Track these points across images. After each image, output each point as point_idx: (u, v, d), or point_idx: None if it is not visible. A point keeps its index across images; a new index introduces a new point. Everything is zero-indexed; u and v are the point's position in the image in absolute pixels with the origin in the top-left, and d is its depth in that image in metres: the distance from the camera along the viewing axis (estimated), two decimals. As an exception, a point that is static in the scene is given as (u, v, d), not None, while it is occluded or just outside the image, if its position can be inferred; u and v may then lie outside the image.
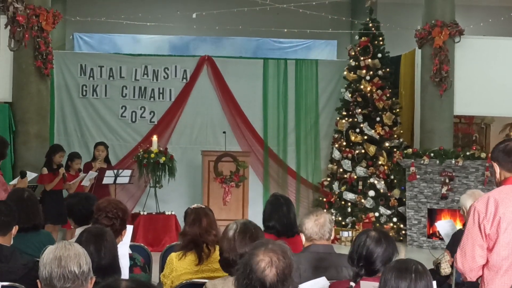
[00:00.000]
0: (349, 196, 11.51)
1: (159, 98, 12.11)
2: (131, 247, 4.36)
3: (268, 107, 12.38)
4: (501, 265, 3.32)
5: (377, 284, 2.95)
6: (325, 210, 10.51)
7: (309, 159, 12.49)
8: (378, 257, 3.35)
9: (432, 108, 11.17)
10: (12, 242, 3.97)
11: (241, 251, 3.37)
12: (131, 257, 4.08)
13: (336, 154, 11.82)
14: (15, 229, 4.00)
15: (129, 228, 4.29)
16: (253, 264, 2.52)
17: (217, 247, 3.77)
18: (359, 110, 11.68)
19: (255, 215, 9.07)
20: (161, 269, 5.10)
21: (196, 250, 4.21)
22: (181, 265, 4.22)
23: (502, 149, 3.44)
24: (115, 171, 9.77)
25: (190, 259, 4.23)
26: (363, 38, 11.85)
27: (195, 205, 4.54)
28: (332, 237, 4.23)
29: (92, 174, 9.30)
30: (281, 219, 4.88)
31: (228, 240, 3.49)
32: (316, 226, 4.12)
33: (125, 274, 3.83)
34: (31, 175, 7.90)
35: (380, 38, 11.89)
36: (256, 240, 3.11)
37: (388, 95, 11.74)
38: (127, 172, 9.99)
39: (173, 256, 4.30)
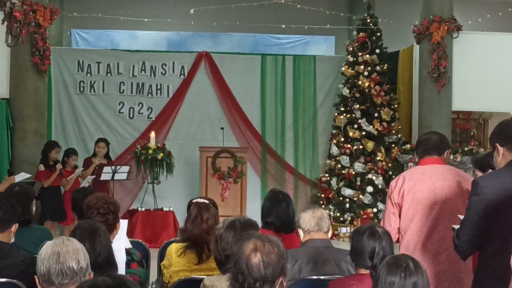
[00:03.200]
0: (347, 192, 11.50)
1: (156, 94, 12.08)
2: (129, 243, 4.34)
3: (266, 103, 12.36)
4: (408, 226, 4.20)
5: None
6: (323, 207, 10.52)
7: (307, 155, 12.48)
8: (389, 253, 3.45)
9: (430, 103, 11.16)
10: (13, 240, 3.95)
11: (228, 251, 3.35)
12: (128, 252, 4.05)
13: (334, 150, 11.81)
14: (15, 227, 3.96)
15: (124, 222, 4.27)
16: (240, 252, 2.61)
17: None
18: (357, 105, 11.67)
19: (254, 211, 9.07)
20: (160, 265, 5.09)
21: (196, 250, 4.18)
22: (179, 261, 4.20)
23: (417, 141, 4.49)
24: (113, 167, 9.75)
25: (189, 257, 4.20)
26: (361, 33, 11.84)
27: (199, 199, 4.47)
28: (330, 233, 4.23)
29: (90, 177, 9.31)
30: (279, 215, 4.87)
31: (214, 240, 3.48)
32: (313, 218, 4.16)
33: (121, 269, 3.82)
34: (21, 176, 7.91)
35: (378, 34, 11.88)
36: (243, 237, 3.14)
37: (386, 90, 11.74)
38: (125, 169, 9.98)
39: (173, 249, 4.27)
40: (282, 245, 2.65)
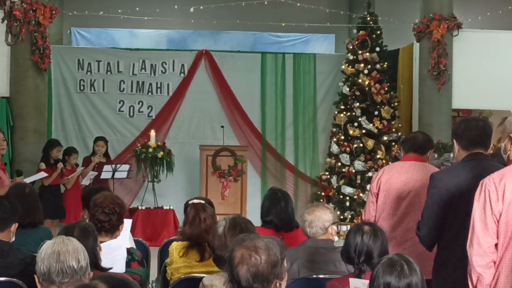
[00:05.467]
0: (348, 190, 11.50)
1: (157, 92, 12.09)
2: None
3: (266, 101, 12.37)
4: (380, 215, 4.62)
5: (366, 281, 2.98)
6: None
7: (307, 153, 12.49)
8: (378, 251, 3.43)
9: (430, 102, 11.16)
10: (13, 239, 3.95)
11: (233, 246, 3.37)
12: (129, 252, 4.05)
13: (334, 148, 11.80)
14: (14, 226, 3.95)
15: (128, 222, 4.27)
16: (230, 261, 2.59)
17: None
18: (357, 104, 11.66)
19: (253, 209, 9.07)
20: (160, 264, 5.11)
21: (198, 249, 4.19)
22: (181, 259, 4.21)
23: (404, 138, 4.99)
24: (113, 165, 9.77)
25: (191, 256, 4.21)
26: (361, 31, 11.82)
27: (195, 200, 4.48)
28: (332, 232, 4.21)
29: (93, 174, 9.32)
30: (279, 214, 4.85)
31: (218, 237, 3.49)
32: (305, 222, 4.17)
33: (121, 266, 3.82)
34: (39, 176, 7.95)
35: (378, 32, 11.86)
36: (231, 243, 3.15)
37: (386, 89, 11.72)
38: (125, 167, 9.99)
39: (174, 247, 4.27)
40: (275, 248, 2.58)
